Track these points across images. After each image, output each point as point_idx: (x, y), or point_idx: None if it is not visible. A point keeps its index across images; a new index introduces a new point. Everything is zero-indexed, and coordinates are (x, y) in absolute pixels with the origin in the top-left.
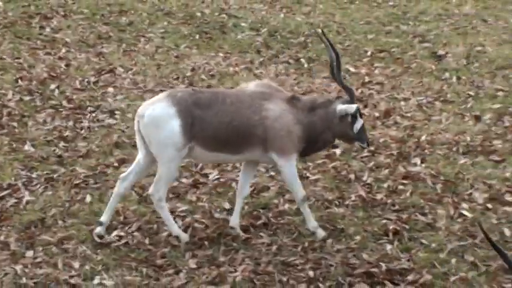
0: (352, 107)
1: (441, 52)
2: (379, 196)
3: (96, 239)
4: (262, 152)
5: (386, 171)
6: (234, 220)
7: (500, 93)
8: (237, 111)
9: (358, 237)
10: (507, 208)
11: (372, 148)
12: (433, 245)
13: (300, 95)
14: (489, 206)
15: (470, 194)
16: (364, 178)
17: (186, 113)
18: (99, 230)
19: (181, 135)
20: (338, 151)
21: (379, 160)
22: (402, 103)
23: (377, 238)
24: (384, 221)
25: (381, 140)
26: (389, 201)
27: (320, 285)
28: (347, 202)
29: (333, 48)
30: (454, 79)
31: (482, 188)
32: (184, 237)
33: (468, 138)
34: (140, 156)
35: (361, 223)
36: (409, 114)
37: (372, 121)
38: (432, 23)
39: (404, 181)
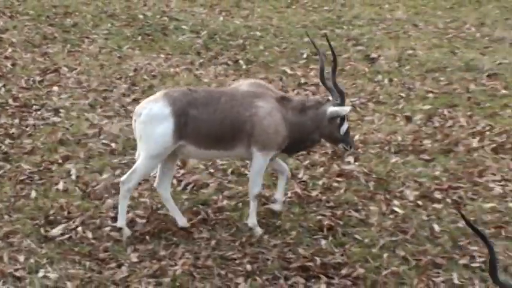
0: (346, 109)
1: (374, 55)
2: (314, 193)
3: (125, 236)
4: (246, 147)
5: (321, 169)
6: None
7: (430, 95)
8: (231, 109)
9: (293, 233)
10: (436, 205)
11: (355, 150)
12: (366, 240)
13: (290, 96)
14: (419, 203)
15: (402, 191)
16: (300, 176)
17: (180, 113)
18: (121, 226)
19: (172, 136)
20: None
21: (314, 158)
22: None
23: (312, 233)
24: (319, 217)
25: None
26: (324, 198)
27: (257, 278)
28: (283, 199)
29: (333, 52)
30: (386, 81)
31: (413, 185)
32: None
33: (399, 138)
34: (138, 154)
35: (297, 219)
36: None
37: None
38: (365, 27)
39: (339, 179)
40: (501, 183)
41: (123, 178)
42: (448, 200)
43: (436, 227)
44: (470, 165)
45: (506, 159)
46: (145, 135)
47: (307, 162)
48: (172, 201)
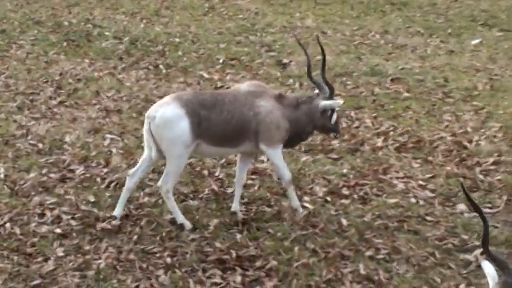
0: (339, 102)
1: (285, 60)
2: (230, 190)
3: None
4: (254, 143)
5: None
6: (235, 206)
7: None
8: (235, 109)
9: (211, 227)
10: (344, 201)
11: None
12: (279, 234)
13: (285, 93)
14: (328, 198)
15: (312, 188)
16: (217, 174)
17: (193, 113)
18: (114, 223)
19: (190, 134)
20: None
21: (230, 158)
22: None
23: (228, 228)
24: (230, 219)
25: None
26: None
27: (177, 270)
28: (201, 195)
29: (323, 50)
30: (297, 85)
31: (322, 182)
32: (188, 224)
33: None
34: (147, 153)
35: (214, 214)
36: None
37: None
38: (278, 35)
39: (253, 176)
40: (404, 180)
41: (159, 183)
42: (355, 196)
43: (344, 221)
44: (375, 164)
45: (408, 158)
46: (164, 139)
47: (223, 161)
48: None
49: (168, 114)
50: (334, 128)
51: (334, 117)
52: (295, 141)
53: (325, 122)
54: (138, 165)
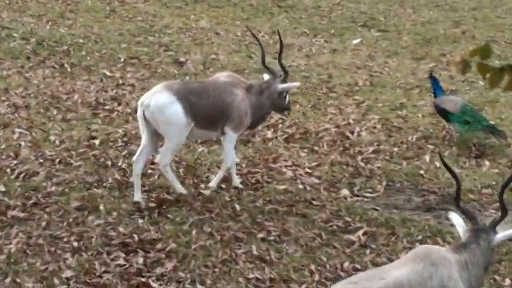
0: (296, 84)
1: (182, 59)
2: (132, 179)
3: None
4: (222, 128)
5: None
6: (235, 181)
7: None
8: (217, 96)
9: (114, 214)
10: (240, 189)
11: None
12: (177, 218)
13: (251, 82)
14: (223, 186)
15: (208, 176)
16: (120, 164)
17: (184, 100)
18: (138, 200)
19: (184, 116)
20: (97, 141)
21: (132, 148)
22: None
23: (131, 214)
24: (133, 206)
25: (133, 133)
26: (140, 182)
27: (83, 254)
28: (105, 184)
29: (281, 40)
30: None
31: (217, 171)
32: (185, 191)
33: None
34: (144, 138)
35: (117, 201)
36: None
37: (125, 117)
38: (174, 35)
39: (153, 166)
40: (292, 168)
41: (157, 159)
42: (248, 183)
43: (237, 207)
44: (265, 153)
45: (296, 148)
46: (160, 122)
47: (125, 152)
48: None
49: (160, 102)
50: (288, 107)
51: (287, 97)
52: (258, 123)
53: (281, 102)
54: (139, 151)
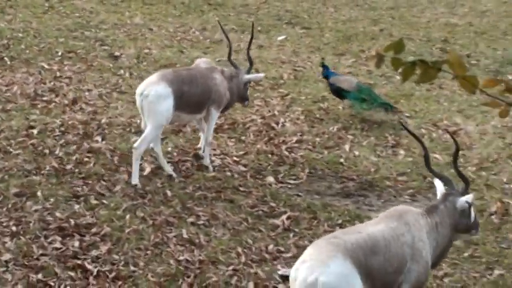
0: (261, 76)
1: (117, 53)
2: (68, 166)
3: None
4: (206, 109)
5: (74, 146)
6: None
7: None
8: (204, 82)
9: (52, 199)
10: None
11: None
12: (112, 204)
13: (223, 69)
14: (156, 173)
15: (141, 164)
16: (57, 152)
17: (177, 90)
18: (136, 183)
19: (172, 110)
20: (35, 131)
21: (68, 138)
22: (86, 93)
23: (67, 200)
24: (74, 186)
25: (70, 123)
26: (76, 170)
27: (21, 237)
28: (43, 171)
29: (252, 33)
30: (128, 75)
31: (150, 159)
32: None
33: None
34: (144, 126)
35: (54, 188)
36: (92, 102)
37: (62, 108)
38: (110, 31)
39: (89, 155)
40: (220, 157)
41: (135, 145)
42: (179, 171)
43: (169, 193)
44: (195, 143)
45: (224, 138)
46: (153, 112)
47: (62, 141)
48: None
49: (159, 92)
50: (248, 97)
51: (247, 87)
52: (226, 108)
53: (245, 92)
54: (141, 137)
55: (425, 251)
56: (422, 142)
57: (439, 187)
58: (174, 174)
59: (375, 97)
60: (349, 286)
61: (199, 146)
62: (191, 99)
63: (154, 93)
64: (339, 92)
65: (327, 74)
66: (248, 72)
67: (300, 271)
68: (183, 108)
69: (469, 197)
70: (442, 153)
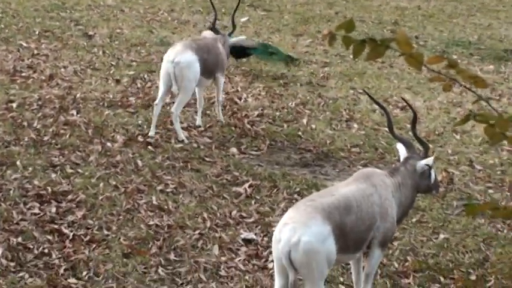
0: (243, 38)
1: (91, 33)
2: (45, 138)
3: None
4: (214, 75)
5: (51, 119)
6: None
7: (134, 64)
8: (215, 51)
9: (30, 169)
10: (139, 146)
11: None
12: (87, 173)
13: (222, 36)
14: (128, 143)
15: (113, 136)
16: (35, 125)
17: (201, 58)
18: (151, 136)
19: (199, 72)
20: (14, 105)
21: (46, 111)
22: (62, 70)
23: (45, 169)
24: (51, 156)
25: (47, 97)
26: (53, 141)
27: (2, 204)
28: (22, 142)
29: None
30: (101, 53)
31: (122, 131)
32: (186, 140)
33: (111, 96)
34: (162, 89)
35: (33, 158)
36: (67, 78)
37: (40, 83)
38: (84, 12)
39: (65, 127)
40: (187, 129)
41: (172, 109)
42: (148, 142)
43: (140, 162)
44: (164, 116)
45: (190, 112)
46: (186, 77)
47: (40, 114)
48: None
49: (188, 59)
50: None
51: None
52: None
53: (229, 53)
54: (159, 98)
55: (391, 208)
56: (386, 109)
57: (402, 151)
58: (186, 140)
59: (280, 50)
60: (325, 244)
61: (197, 123)
62: (209, 66)
63: (184, 60)
64: (243, 51)
65: None
66: (230, 35)
67: (283, 233)
68: (203, 74)
69: (428, 160)
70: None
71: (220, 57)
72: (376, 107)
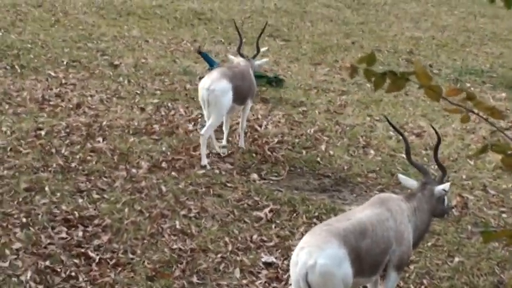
0: (266, 60)
1: (117, 62)
2: (73, 164)
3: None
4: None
5: (78, 146)
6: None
7: (158, 92)
8: (248, 77)
9: (58, 194)
10: (163, 173)
11: None
12: (112, 198)
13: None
14: (152, 169)
15: (138, 162)
16: (62, 151)
17: (235, 86)
18: (205, 170)
19: (231, 102)
20: (43, 132)
21: (73, 138)
22: (89, 98)
23: (72, 194)
24: (78, 182)
25: (74, 125)
26: (80, 167)
27: (31, 228)
28: (50, 169)
29: (240, 33)
30: (126, 82)
31: (146, 158)
32: (208, 166)
33: (136, 124)
34: (207, 115)
35: (61, 183)
36: (94, 106)
37: (67, 111)
38: (110, 42)
39: (91, 154)
40: (209, 157)
41: (202, 132)
42: (172, 168)
43: (163, 188)
44: (187, 143)
45: (212, 139)
46: (218, 104)
47: (67, 141)
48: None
49: (223, 87)
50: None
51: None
52: None
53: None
54: (206, 127)
55: (407, 233)
56: (403, 135)
57: (405, 181)
58: (208, 166)
59: (268, 75)
60: (341, 268)
61: (223, 144)
62: (242, 93)
63: (219, 88)
64: None
65: (208, 61)
66: (254, 58)
67: (300, 256)
68: (235, 100)
69: (446, 186)
70: None
71: (252, 83)
72: (393, 133)
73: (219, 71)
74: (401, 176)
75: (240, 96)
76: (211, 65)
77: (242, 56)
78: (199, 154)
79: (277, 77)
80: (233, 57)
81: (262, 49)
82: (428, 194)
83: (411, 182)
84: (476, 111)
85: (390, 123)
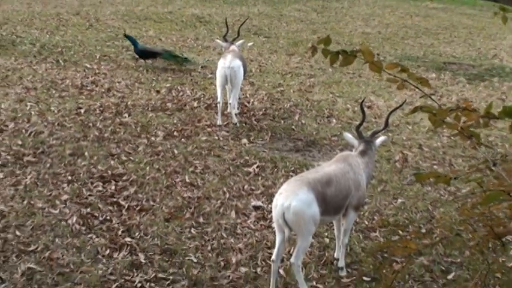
0: (242, 41)
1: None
2: (106, 135)
3: None
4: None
5: (110, 121)
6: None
7: (170, 78)
8: (243, 59)
9: (95, 157)
10: (174, 140)
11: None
12: (137, 159)
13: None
14: (166, 137)
15: (155, 132)
16: (98, 125)
17: (243, 64)
18: (219, 124)
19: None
20: (82, 110)
21: (105, 115)
22: (117, 84)
23: (106, 157)
24: (110, 148)
25: (106, 104)
26: (111, 137)
27: (75, 183)
28: (88, 138)
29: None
30: (145, 71)
31: (162, 128)
32: (236, 121)
33: (153, 103)
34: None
35: (97, 150)
36: (121, 90)
37: (101, 94)
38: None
39: (120, 126)
40: (210, 126)
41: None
42: (182, 136)
43: (175, 151)
44: (193, 117)
45: (212, 113)
46: (238, 77)
47: (101, 117)
48: None
49: (238, 64)
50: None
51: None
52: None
53: None
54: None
55: (362, 181)
56: (365, 113)
57: (348, 138)
58: (238, 124)
59: (179, 55)
60: (310, 208)
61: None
62: (245, 68)
63: (236, 65)
64: (153, 55)
65: (134, 43)
66: (234, 41)
67: (278, 200)
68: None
69: (383, 139)
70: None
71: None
72: (350, 106)
73: (231, 54)
74: (346, 134)
75: (244, 72)
76: (135, 45)
77: (226, 40)
78: (202, 125)
79: (186, 58)
80: (219, 41)
81: (249, 44)
82: (373, 149)
83: (352, 140)
84: (410, 81)
85: (361, 106)
